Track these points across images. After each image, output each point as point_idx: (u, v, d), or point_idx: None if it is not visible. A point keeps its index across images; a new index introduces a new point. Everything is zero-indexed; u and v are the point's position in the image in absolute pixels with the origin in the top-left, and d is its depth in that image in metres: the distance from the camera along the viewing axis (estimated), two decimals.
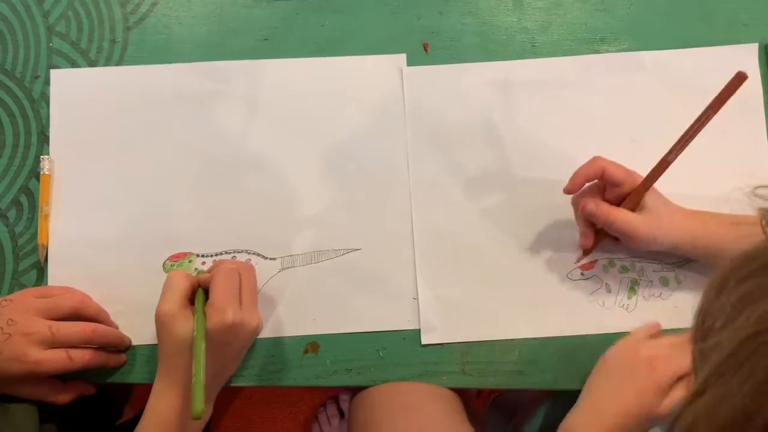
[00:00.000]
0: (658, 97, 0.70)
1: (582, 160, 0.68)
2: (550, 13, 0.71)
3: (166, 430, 0.58)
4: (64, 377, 0.62)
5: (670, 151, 0.56)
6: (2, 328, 0.58)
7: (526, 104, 0.70)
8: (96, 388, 0.65)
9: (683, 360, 0.57)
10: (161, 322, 0.58)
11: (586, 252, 0.66)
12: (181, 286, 0.59)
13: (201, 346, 0.55)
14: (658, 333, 0.62)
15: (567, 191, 0.62)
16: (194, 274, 0.66)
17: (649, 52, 0.71)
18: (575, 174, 0.62)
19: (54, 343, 0.59)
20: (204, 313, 0.57)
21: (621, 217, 0.60)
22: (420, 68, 0.70)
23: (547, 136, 0.70)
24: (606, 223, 0.61)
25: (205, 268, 0.67)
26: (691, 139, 0.54)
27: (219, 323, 0.56)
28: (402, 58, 0.70)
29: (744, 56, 0.71)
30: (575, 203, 0.63)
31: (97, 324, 0.63)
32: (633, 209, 0.60)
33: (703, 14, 0.72)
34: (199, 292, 0.60)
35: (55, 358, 0.59)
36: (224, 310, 0.57)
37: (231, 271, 0.59)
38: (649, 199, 0.60)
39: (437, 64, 0.70)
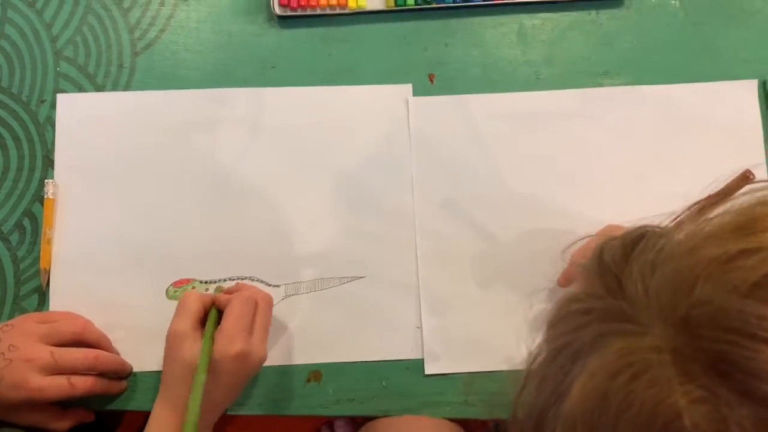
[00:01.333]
0: (660, 131, 0.71)
1: (586, 192, 0.69)
2: (554, 46, 0.72)
3: None
4: (63, 404, 0.61)
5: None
6: (3, 354, 0.57)
7: (530, 135, 0.71)
8: (95, 416, 0.64)
9: None
10: (171, 343, 0.58)
11: None
12: (195, 307, 0.59)
13: (202, 378, 0.54)
14: None
15: (562, 285, 0.64)
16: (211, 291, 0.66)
17: (651, 86, 0.72)
18: (564, 275, 0.63)
19: (56, 370, 0.58)
20: (212, 338, 0.57)
21: None
22: (425, 98, 0.71)
23: (551, 168, 0.70)
24: None
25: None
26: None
27: (226, 352, 0.56)
28: (408, 88, 0.71)
29: (743, 92, 0.72)
30: (566, 279, 0.64)
31: (100, 351, 0.62)
32: None
33: (705, 50, 0.73)
34: (211, 314, 0.60)
35: (57, 385, 0.58)
36: (234, 338, 0.56)
37: (248, 299, 0.59)
38: None
39: (443, 94, 0.71)
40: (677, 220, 0.51)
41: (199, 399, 0.53)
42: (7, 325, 0.60)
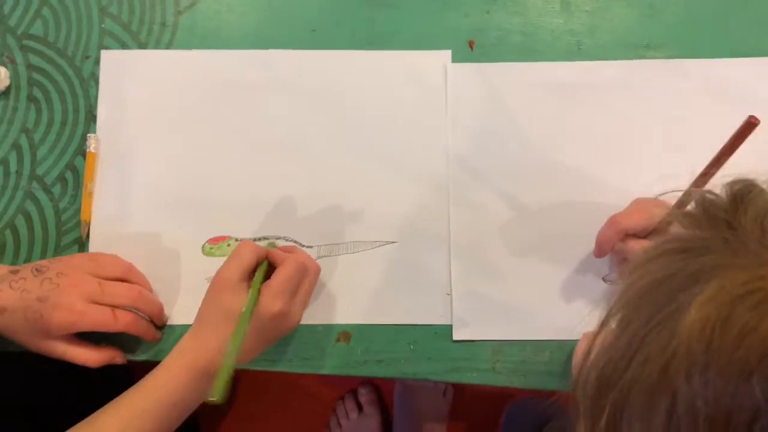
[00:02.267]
0: (704, 106, 0.70)
1: (623, 165, 0.68)
2: (597, 16, 0.71)
3: (179, 384, 0.57)
4: (97, 341, 0.63)
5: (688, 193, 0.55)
6: (51, 279, 0.59)
7: (569, 106, 0.70)
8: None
9: None
10: (216, 286, 0.59)
11: None
12: (249, 259, 0.60)
13: (245, 326, 0.55)
14: None
15: (597, 256, 0.64)
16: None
17: (696, 60, 0.70)
18: (601, 241, 0.62)
19: (101, 299, 0.60)
20: (259, 291, 0.58)
21: None
22: (465, 66, 0.71)
23: (589, 139, 0.69)
24: None
25: None
26: (706, 183, 0.53)
27: (269, 307, 0.57)
28: (447, 54, 0.71)
29: None
30: (601, 244, 0.63)
31: (143, 288, 0.64)
32: None
33: (755, 22, 0.71)
34: (262, 267, 0.60)
35: (100, 312, 0.59)
36: (279, 297, 0.57)
37: (302, 264, 0.60)
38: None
39: (482, 62, 0.71)
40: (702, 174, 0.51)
41: (239, 345, 0.54)
42: (56, 259, 0.62)
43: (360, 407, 1.23)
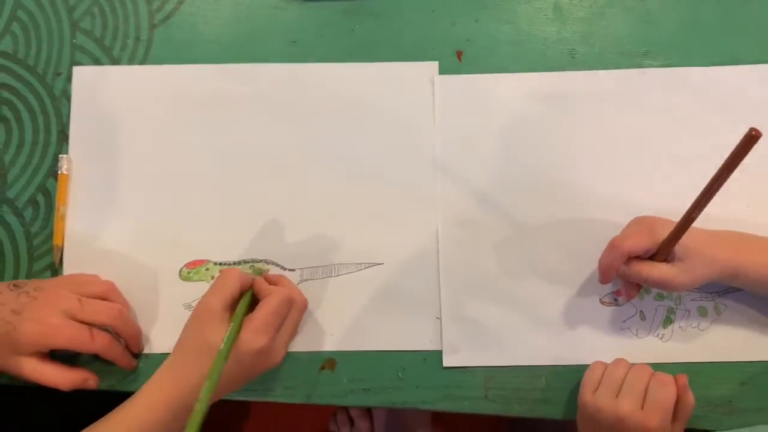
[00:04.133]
0: (705, 116, 0.66)
1: (621, 180, 0.65)
2: (592, 23, 0.68)
3: (152, 418, 0.54)
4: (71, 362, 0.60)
5: (693, 208, 0.52)
6: (28, 293, 0.57)
7: (563, 119, 0.67)
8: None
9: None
10: (198, 315, 0.56)
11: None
12: (233, 288, 0.57)
13: (220, 366, 0.52)
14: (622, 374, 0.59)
15: (603, 283, 0.60)
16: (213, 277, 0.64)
17: (697, 69, 0.67)
18: (603, 267, 0.59)
19: (79, 316, 0.57)
20: (240, 325, 0.55)
21: (655, 273, 0.56)
22: (452, 77, 0.67)
23: (584, 153, 0.66)
24: (640, 281, 0.58)
25: None
26: (711, 197, 0.50)
27: (250, 344, 0.54)
28: (434, 66, 0.67)
29: None
30: (605, 270, 0.59)
31: (123, 308, 0.61)
32: (665, 260, 0.57)
33: (755, 29, 0.68)
34: (245, 298, 0.58)
35: (77, 329, 0.57)
36: (262, 333, 0.55)
37: (288, 298, 0.57)
38: (681, 245, 0.56)
39: (471, 73, 0.67)
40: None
41: (215, 384, 0.51)
42: (35, 279, 0.60)
43: (352, 421, 1.20)
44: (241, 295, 0.58)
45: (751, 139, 0.44)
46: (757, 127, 0.44)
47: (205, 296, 0.57)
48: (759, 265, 0.57)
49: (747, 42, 0.67)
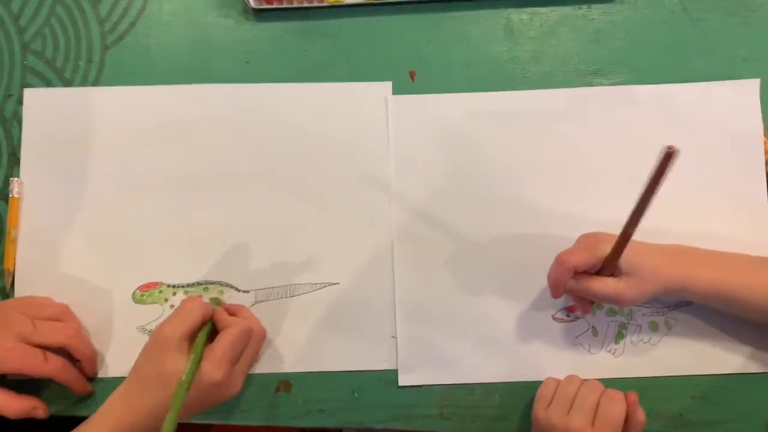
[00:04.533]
0: (654, 133, 0.67)
1: (572, 196, 0.66)
2: (542, 43, 0.69)
3: None
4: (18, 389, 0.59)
5: (628, 225, 0.53)
6: None
7: (516, 137, 0.67)
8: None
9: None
10: (156, 343, 0.55)
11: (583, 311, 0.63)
12: (196, 318, 0.56)
13: (181, 400, 0.51)
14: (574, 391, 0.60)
15: (555, 297, 0.61)
16: (171, 304, 0.65)
17: (646, 86, 0.68)
18: (552, 282, 0.60)
19: (33, 339, 0.57)
20: (201, 356, 0.54)
21: (603, 288, 0.57)
22: (406, 97, 0.68)
23: (538, 171, 0.67)
24: (589, 296, 0.59)
25: (176, 299, 0.64)
26: (642, 215, 0.51)
27: (208, 375, 0.53)
28: (388, 86, 0.68)
29: (744, 92, 0.68)
30: (553, 284, 0.60)
31: (79, 328, 0.61)
32: (612, 275, 0.58)
33: (702, 48, 0.69)
34: (205, 329, 0.57)
35: (30, 352, 0.56)
36: (220, 365, 0.54)
37: (246, 330, 0.57)
38: (626, 260, 0.56)
39: (424, 93, 0.68)
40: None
41: (177, 417, 0.51)
42: None
43: None
44: (202, 325, 0.58)
45: (668, 156, 0.45)
46: (673, 145, 0.45)
47: (164, 324, 0.56)
48: (702, 279, 0.58)
49: (694, 60, 0.69)
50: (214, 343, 0.56)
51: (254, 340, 0.59)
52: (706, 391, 0.63)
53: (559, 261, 0.58)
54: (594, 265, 0.58)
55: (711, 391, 0.63)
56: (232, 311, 0.61)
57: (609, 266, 0.57)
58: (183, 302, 0.58)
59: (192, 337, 0.56)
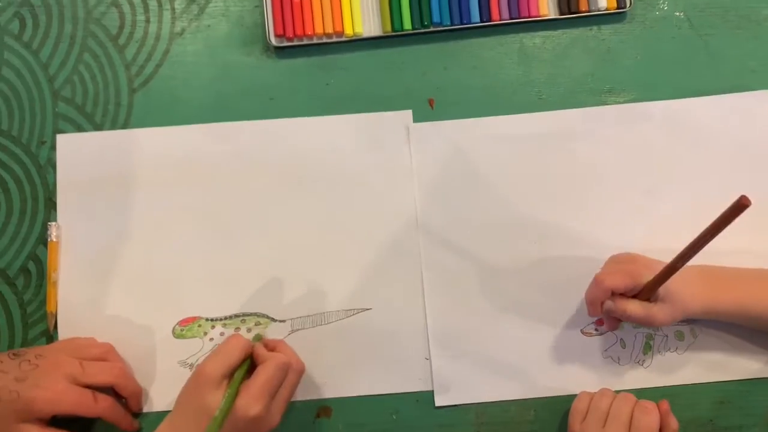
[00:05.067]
0: (669, 148, 0.69)
1: (594, 214, 0.68)
2: (556, 65, 0.71)
3: None
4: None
5: (677, 260, 0.54)
6: (30, 360, 0.59)
7: (534, 158, 0.69)
8: None
9: None
10: (198, 379, 0.57)
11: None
12: (237, 356, 0.58)
13: (214, 430, 0.53)
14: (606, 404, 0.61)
15: (591, 315, 0.64)
16: (211, 337, 0.67)
17: (658, 102, 0.70)
18: (588, 300, 0.62)
19: (82, 380, 0.59)
20: (237, 391, 0.56)
21: (638, 311, 0.59)
22: (426, 124, 0.70)
23: (558, 190, 0.69)
24: (624, 318, 0.61)
25: (215, 332, 0.66)
26: (695, 253, 0.52)
27: (245, 411, 0.55)
28: (408, 114, 0.70)
29: (756, 103, 0.70)
30: (590, 303, 0.62)
31: (124, 366, 0.63)
32: (648, 300, 0.60)
33: (710, 62, 0.71)
34: (243, 365, 0.58)
35: (81, 392, 0.59)
36: (257, 400, 0.55)
37: (283, 365, 0.58)
38: (664, 287, 0.58)
39: (443, 119, 0.70)
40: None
41: None
42: (33, 346, 0.62)
43: None
44: (242, 362, 0.59)
45: (739, 207, 0.46)
46: (746, 196, 0.45)
47: (206, 361, 0.58)
48: (727, 301, 0.61)
49: (704, 74, 0.71)
50: (251, 379, 0.57)
51: (292, 375, 0.60)
52: (734, 396, 0.65)
53: (597, 281, 0.60)
54: (632, 290, 0.60)
55: (738, 396, 0.65)
56: (271, 347, 0.62)
57: (649, 293, 0.59)
58: (226, 340, 0.59)
59: (232, 374, 0.58)
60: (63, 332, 0.66)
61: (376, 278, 0.68)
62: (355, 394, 0.65)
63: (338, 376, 0.66)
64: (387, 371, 0.66)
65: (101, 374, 0.60)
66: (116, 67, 0.71)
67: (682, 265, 0.54)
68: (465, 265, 0.68)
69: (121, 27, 0.71)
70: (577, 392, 0.64)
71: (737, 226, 0.66)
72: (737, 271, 0.63)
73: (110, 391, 0.62)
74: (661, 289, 0.58)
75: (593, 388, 0.64)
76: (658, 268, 0.56)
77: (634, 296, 0.60)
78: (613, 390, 0.63)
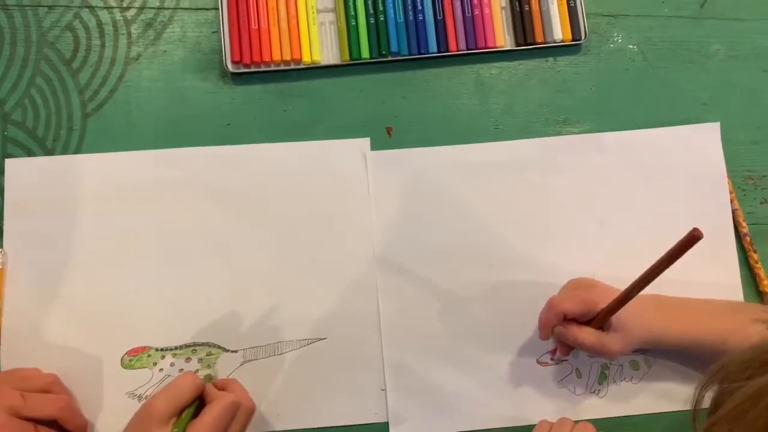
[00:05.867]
0: (622, 178, 0.70)
1: (550, 242, 0.68)
2: (512, 95, 0.72)
3: None
4: None
5: (630, 289, 0.54)
6: None
7: (490, 187, 0.70)
8: None
9: None
10: (146, 416, 0.55)
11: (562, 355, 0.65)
12: (187, 395, 0.56)
13: None
14: None
15: (542, 338, 0.63)
16: (161, 368, 0.65)
17: (612, 133, 0.71)
18: (541, 323, 0.62)
19: (24, 412, 0.56)
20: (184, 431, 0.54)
21: (590, 339, 0.59)
22: (384, 152, 0.70)
23: (515, 218, 0.69)
24: (575, 345, 0.60)
25: (165, 363, 0.64)
26: (648, 284, 0.53)
27: None
28: (366, 142, 0.70)
29: (706, 135, 0.72)
30: (543, 326, 0.62)
31: (69, 399, 0.61)
32: (601, 328, 0.60)
33: (663, 94, 0.72)
34: (191, 407, 0.57)
35: (21, 427, 0.56)
36: None
37: (231, 405, 0.56)
38: (617, 316, 0.58)
39: (401, 147, 0.70)
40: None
41: None
42: None
43: None
44: (192, 401, 0.58)
45: (692, 239, 0.46)
46: (698, 228, 0.46)
47: (155, 397, 0.56)
48: (675, 332, 0.61)
49: (656, 106, 0.72)
50: (198, 418, 0.55)
51: (241, 415, 0.58)
52: (688, 426, 0.65)
53: (550, 305, 0.60)
54: (585, 316, 0.60)
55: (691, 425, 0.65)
56: (221, 386, 0.60)
57: (601, 321, 0.59)
58: (177, 378, 0.58)
59: (181, 413, 0.57)
60: (6, 362, 0.64)
61: (331, 308, 0.67)
62: (308, 426, 0.64)
63: (292, 407, 0.64)
64: (342, 403, 0.65)
65: (44, 407, 0.58)
66: (69, 91, 0.70)
67: (635, 294, 0.54)
68: (422, 294, 0.67)
69: (76, 51, 0.70)
70: (535, 422, 0.63)
71: (687, 257, 0.68)
72: (687, 301, 0.63)
73: (54, 424, 0.60)
74: (614, 318, 0.58)
75: (551, 418, 0.63)
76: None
77: (587, 323, 0.60)
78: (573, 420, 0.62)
